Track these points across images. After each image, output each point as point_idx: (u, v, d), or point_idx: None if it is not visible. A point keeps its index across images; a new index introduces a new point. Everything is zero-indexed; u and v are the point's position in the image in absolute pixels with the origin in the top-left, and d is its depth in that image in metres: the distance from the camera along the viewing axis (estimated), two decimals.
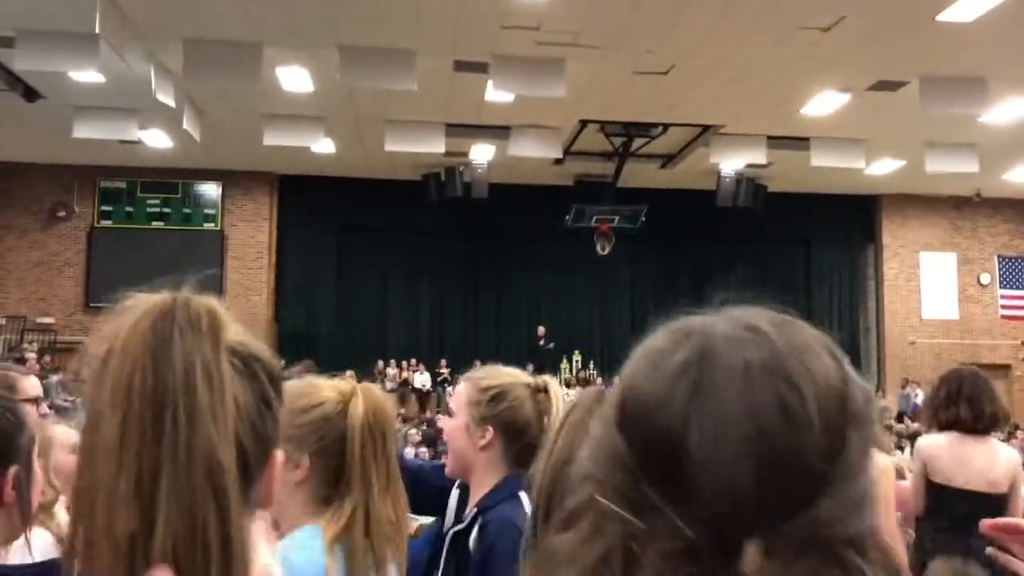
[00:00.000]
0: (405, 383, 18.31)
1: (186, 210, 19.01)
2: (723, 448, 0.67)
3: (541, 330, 19.17)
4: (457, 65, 12.59)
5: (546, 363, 19.11)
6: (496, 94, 13.00)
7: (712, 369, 0.71)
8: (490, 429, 2.22)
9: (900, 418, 17.11)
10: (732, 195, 17.64)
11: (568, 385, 18.83)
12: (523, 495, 2.09)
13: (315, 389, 1.96)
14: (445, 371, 18.89)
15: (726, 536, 0.66)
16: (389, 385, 17.45)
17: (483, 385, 2.28)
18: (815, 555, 0.67)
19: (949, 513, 3.90)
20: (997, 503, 3.79)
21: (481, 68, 12.32)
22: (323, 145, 15.90)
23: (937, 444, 4.01)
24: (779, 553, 0.66)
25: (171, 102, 12.62)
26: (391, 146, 14.95)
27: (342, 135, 15.96)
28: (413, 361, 18.99)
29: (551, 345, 19.07)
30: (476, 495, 2.28)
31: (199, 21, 11.10)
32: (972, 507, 3.67)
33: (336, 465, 1.88)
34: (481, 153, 16.79)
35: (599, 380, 18.67)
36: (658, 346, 0.75)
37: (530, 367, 18.87)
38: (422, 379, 18.65)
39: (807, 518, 0.67)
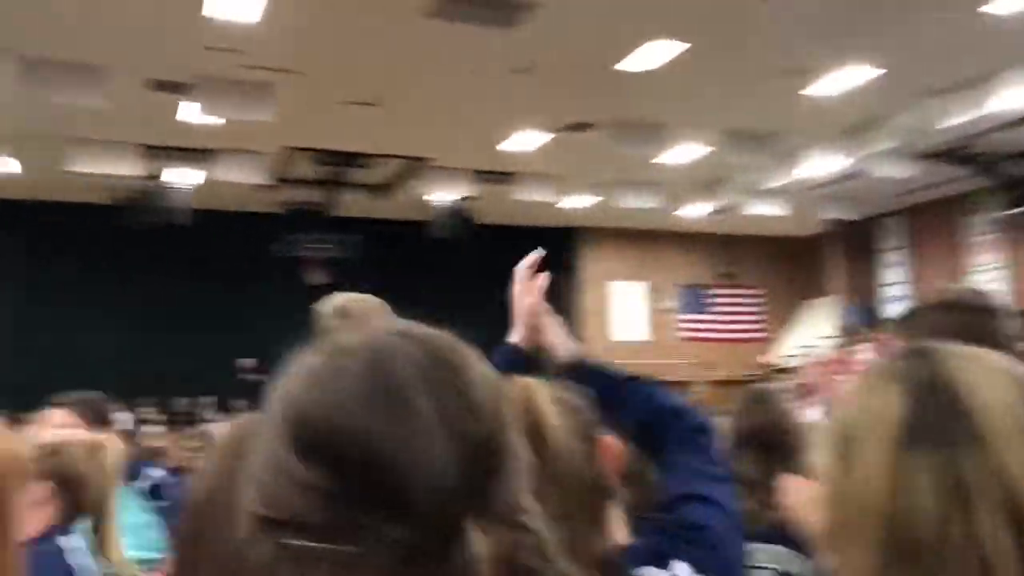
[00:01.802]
0: None
1: None
2: (427, 452, 0.70)
3: (247, 362, 18.44)
4: (156, 84, 11.93)
5: (257, 395, 18.43)
6: (199, 116, 12.44)
7: (390, 379, 0.73)
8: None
9: None
10: (444, 227, 18.12)
11: None
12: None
13: None
14: (145, 411, 17.61)
15: (445, 529, 0.69)
16: None
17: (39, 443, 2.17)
18: (502, 523, 0.73)
19: None
20: None
21: (181, 88, 11.76)
22: (7, 165, 14.37)
23: None
24: (486, 528, 0.71)
25: None
26: (78, 166, 13.81)
27: (26, 154, 14.50)
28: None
29: (260, 378, 18.41)
30: None
31: None
32: None
33: None
34: (183, 177, 15.93)
35: None
36: (319, 364, 0.74)
37: (243, 402, 18.15)
38: (123, 419, 17.22)
39: (498, 492, 0.73)
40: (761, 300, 23.10)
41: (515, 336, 1.97)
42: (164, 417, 17.71)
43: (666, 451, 1.57)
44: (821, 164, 15.27)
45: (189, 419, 18.03)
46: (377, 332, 0.78)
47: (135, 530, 2.26)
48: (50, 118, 12.77)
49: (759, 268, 23.05)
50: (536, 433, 1.26)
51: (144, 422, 17.51)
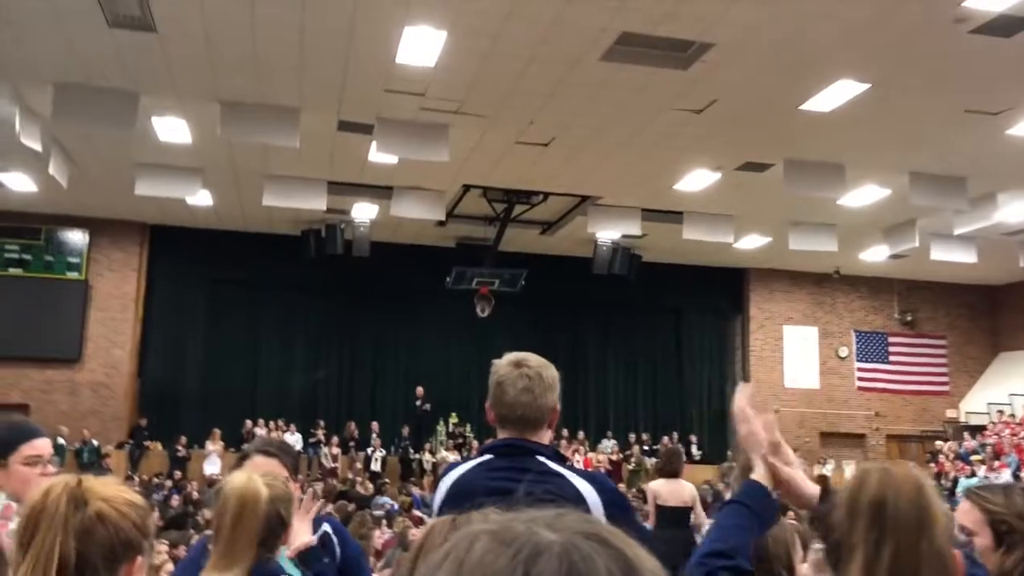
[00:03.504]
0: None
1: (48, 257, 18.06)
2: None
3: (420, 391, 19.02)
4: (341, 125, 12.57)
5: (423, 424, 18.94)
6: (380, 155, 13.01)
7: None
8: None
9: None
10: (608, 263, 18.10)
11: (445, 448, 18.68)
12: None
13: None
14: (320, 433, 18.40)
15: None
16: None
17: None
18: None
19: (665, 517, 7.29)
20: (687, 510, 7.32)
21: (366, 129, 12.34)
22: (200, 197, 15.51)
23: (659, 483, 7.52)
24: None
25: (37, 146, 12.09)
26: (270, 201, 14.70)
27: (220, 188, 15.62)
28: (282, 422, 18.41)
29: (427, 407, 18.90)
30: None
31: (72, 65, 10.72)
32: (675, 514, 7.18)
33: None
34: (363, 212, 16.71)
35: (475, 443, 18.58)
36: (500, 566, 0.66)
37: (405, 429, 18.71)
38: (293, 440, 18.10)
39: None
40: (944, 350, 21.70)
41: (759, 475, 2.00)
42: (335, 440, 18.49)
43: None
44: (1021, 209, 14.23)
45: (359, 443, 18.74)
46: (567, 531, 0.70)
47: None
48: (247, 156, 13.71)
49: (943, 316, 21.70)
50: (925, 517, 1.27)
51: (318, 444, 18.37)
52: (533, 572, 0.64)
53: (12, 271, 17.80)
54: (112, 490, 1.68)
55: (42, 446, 2.65)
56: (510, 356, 2.52)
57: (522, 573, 0.65)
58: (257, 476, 2.24)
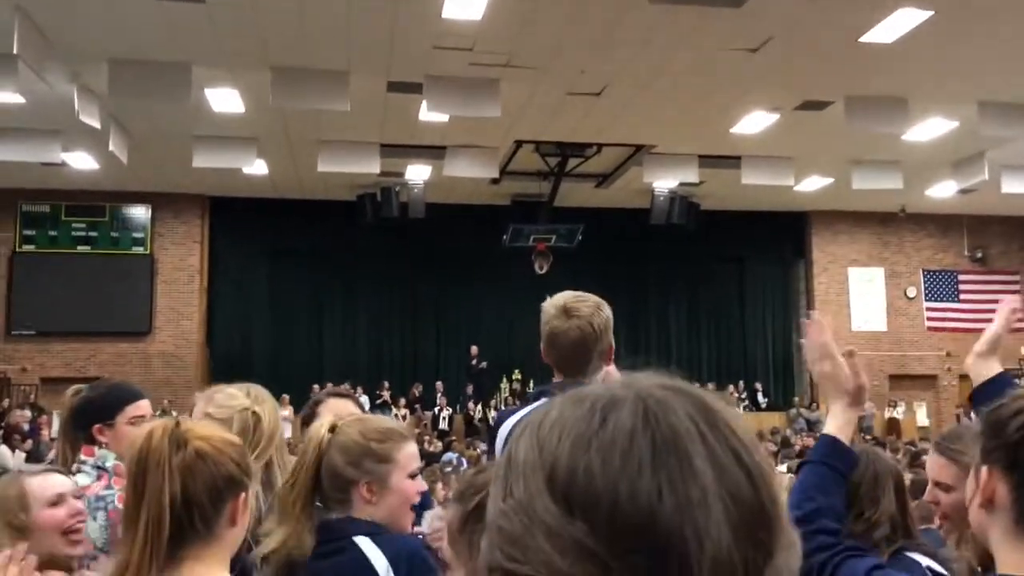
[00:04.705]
0: None
1: (114, 234, 18.51)
2: (707, 519, 0.64)
3: (474, 350, 19.11)
4: (391, 85, 12.54)
5: (483, 383, 19.06)
6: (431, 114, 12.96)
7: (668, 435, 0.66)
8: None
9: None
10: (666, 213, 17.86)
11: (507, 405, 18.80)
12: None
13: None
14: (386, 394, 18.66)
15: None
16: None
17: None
18: None
19: None
20: None
21: (415, 88, 12.28)
22: (256, 166, 15.67)
23: None
24: None
25: (96, 123, 12.30)
26: (324, 167, 14.79)
27: (275, 156, 15.75)
28: (348, 385, 18.70)
29: (483, 364, 19.00)
30: None
31: (124, 41, 10.85)
32: None
33: None
34: (417, 173, 16.72)
35: None
36: (582, 413, 0.68)
37: (469, 387, 18.85)
38: (362, 402, 18.38)
39: (775, 566, 0.66)
40: (1018, 286, 21.03)
41: (834, 426, 1.92)
42: (403, 401, 18.75)
43: None
44: None
45: (425, 403, 18.97)
46: (642, 384, 0.70)
47: None
48: (300, 123, 13.78)
49: (1016, 251, 21.01)
50: None
51: (386, 406, 18.62)
52: (611, 418, 0.66)
53: (81, 248, 18.29)
54: (209, 430, 1.74)
55: (145, 407, 2.79)
56: (558, 300, 2.45)
57: (599, 420, 0.67)
58: (328, 421, 2.18)
